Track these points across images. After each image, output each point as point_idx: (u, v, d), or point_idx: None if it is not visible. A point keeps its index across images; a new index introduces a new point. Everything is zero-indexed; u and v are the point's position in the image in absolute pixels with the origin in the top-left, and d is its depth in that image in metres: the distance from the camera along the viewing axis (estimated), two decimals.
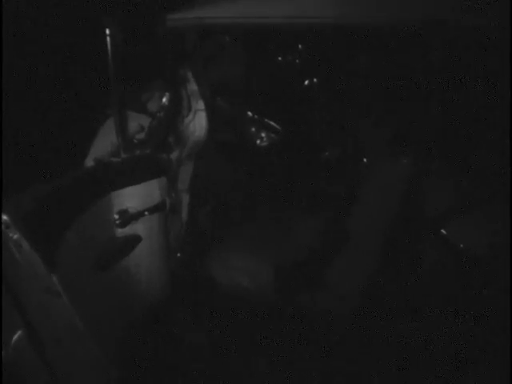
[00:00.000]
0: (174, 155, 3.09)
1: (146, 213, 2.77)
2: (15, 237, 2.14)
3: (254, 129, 3.40)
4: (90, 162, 2.86)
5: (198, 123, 3.05)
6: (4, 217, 2.10)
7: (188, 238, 3.32)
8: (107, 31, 2.60)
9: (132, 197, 2.74)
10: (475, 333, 2.72)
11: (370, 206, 3.11)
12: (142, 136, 2.90)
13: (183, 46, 2.99)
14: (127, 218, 2.70)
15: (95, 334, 2.35)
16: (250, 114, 3.39)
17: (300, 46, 3.37)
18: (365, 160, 3.33)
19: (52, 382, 2.23)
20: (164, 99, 2.97)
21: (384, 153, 3.13)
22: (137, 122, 2.89)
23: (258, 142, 3.40)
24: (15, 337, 2.24)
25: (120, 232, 2.70)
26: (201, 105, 3.04)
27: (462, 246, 2.72)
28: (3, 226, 2.12)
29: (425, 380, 2.77)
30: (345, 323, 3.08)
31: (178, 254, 3.31)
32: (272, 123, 3.39)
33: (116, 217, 2.68)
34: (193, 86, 3.03)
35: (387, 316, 3.02)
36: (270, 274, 3.20)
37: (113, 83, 2.67)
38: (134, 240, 2.78)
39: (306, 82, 3.37)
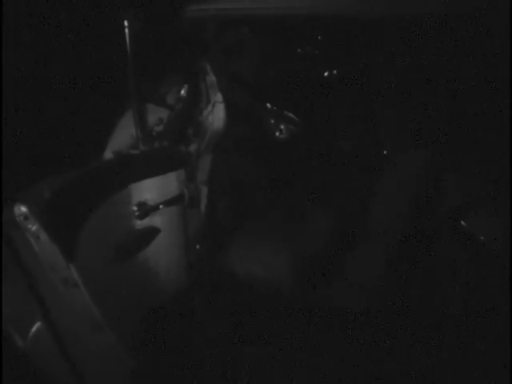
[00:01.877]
0: (193, 147, 3.08)
1: (164, 205, 2.75)
2: (33, 228, 2.14)
3: (272, 121, 3.37)
4: (108, 154, 2.86)
5: (216, 115, 3.04)
6: (22, 208, 2.10)
7: (206, 230, 3.30)
8: (125, 23, 2.59)
9: (151, 189, 2.74)
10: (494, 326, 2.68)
11: (389, 197, 3.08)
12: (160, 128, 2.88)
13: (202, 38, 2.97)
14: (146, 209, 2.70)
15: (113, 325, 2.34)
16: (268, 105, 3.36)
17: (319, 37, 3.33)
18: (385, 152, 3.30)
19: (70, 372, 2.22)
20: (182, 91, 2.96)
21: (405, 145, 3.09)
22: (155, 115, 2.87)
23: (277, 134, 3.38)
24: (34, 328, 2.24)
25: (139, 224, 2.69)
26: (219, 97, 3.03)
27: (482, 238, 2.68)
28: (22, 217, 2.12)
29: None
30: (362, 317, 3.03)
31: (197, 246, 3.29)
32: (291, 115, 3.36)
33: (135, 209, 2.67)
34: (211, 78, 3.02)
35: (405, 311, 2.99)
36: (287, 266, 3.17)
37: (131, 75, 2.66)
38: (153, 232, 2.77)
39: (326, 74, 3.32)
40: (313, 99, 3.37)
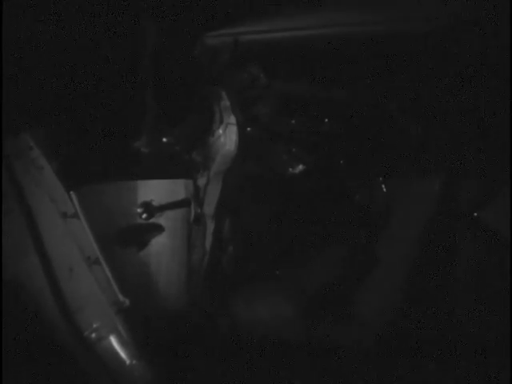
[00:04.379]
0: (202, 172, 3.05)
1: (170, 207, 2.69)
2: (37, 159, 2.10)
3: (285, 158, 3.36)
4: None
5: (228, 137, 3.06)
6: (27, 138, 2.09)
7: (210, 274, 3.14)
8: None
9: (157, 190, 2.78)
10: None
11: (398, 229, 3.01)
12: (171, 139, 2.90)
13: (219, 65, 3.08)
14: (151, 210, 2.63)
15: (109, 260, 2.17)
16: (281, 145, 3.38)
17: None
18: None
19: (60, 309, 2.02)
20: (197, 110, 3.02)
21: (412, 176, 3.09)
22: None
23: (290, 170, 3.35)
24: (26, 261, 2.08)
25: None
26: (232, 119, 3.07)
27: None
28: (26, 148, 2.09)
29: None
30: (371, 356, 2.84)
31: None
32: (304, 153, 3.36)
33: (140, 210, 2.61)
34: (226, 103, 3.07)
35: (418, 348, 2.80)
36: (293, 308, 2.99)
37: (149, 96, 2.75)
38: (155, 230, 2.66)
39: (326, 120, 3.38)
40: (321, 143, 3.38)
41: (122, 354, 2.10)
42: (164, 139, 2.95)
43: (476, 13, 2.75)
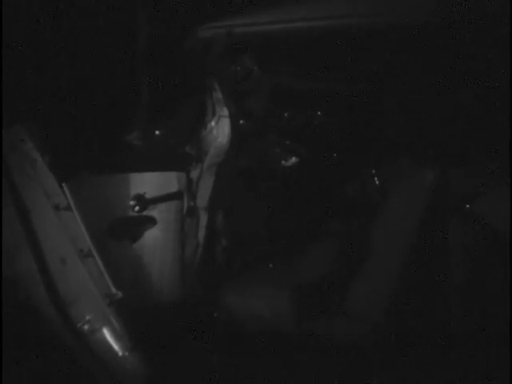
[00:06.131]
0: (195, 165, 3.04)
1: (162, 200, 2.69)
2: (30, 151, 2.09)
3: (278, 151, 3.36)
4: None
5: (220, 129, 3.06)
6: (21, 130, 2.08)
7: (203, 268, 3.14)
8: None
9: (150, 183, 2.78)
10: None
11: (391, 220, 3.01)
12: (164, 131, 2.90)
13: (212, 56, 3.08)
14: (144, 203, 2.63)
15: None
16: (274, 137, 3.38)
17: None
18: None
19: (53, 302, 2.03)
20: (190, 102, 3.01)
21: (405, 167, 3.09)
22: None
23: (282, 163, 3.35)
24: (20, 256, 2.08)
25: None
26: (225, 112, 3.07)
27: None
28: (19, 140, 2.09)
29: None
30: (367, 349, 2.80)
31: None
32: (297, 146, 3.36)
33: (132, 203, 2.61)
34: (218, 95, 3.07)
35: (412, 340, 2.77)
36: (288, 300, 2.98)
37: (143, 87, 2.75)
38: (149, 222, 2.66)
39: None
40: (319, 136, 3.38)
41: (115, 345, 2.10)
42: (157, 132, 2.94)
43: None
